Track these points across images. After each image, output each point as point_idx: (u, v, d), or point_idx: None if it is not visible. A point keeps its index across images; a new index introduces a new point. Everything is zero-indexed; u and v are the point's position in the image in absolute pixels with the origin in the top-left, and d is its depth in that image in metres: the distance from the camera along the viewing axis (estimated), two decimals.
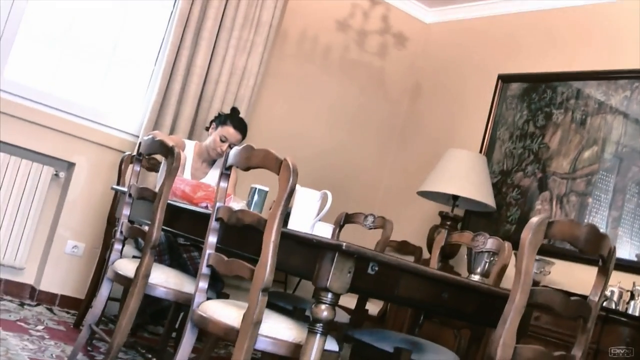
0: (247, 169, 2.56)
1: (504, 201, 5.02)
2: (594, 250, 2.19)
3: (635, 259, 4.20)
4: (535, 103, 5.06)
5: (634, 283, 3.83)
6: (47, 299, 4.74)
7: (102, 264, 4.34)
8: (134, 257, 3.85)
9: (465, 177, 4.79)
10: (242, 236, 2.66)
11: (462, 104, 5.67)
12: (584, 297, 3.86)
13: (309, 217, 3.10)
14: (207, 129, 4.28)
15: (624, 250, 4.24)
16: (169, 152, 3.05)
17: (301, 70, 5.66)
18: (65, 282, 4.81)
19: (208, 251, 2.64)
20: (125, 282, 3.14)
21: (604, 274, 2.27)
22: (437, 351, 3.05)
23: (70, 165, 4.82)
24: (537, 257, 4.38)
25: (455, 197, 4.89)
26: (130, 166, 4.26)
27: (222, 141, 4.11)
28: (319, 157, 5.76)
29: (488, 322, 2.76)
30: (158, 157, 4.45)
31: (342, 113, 5.89)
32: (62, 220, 4.79)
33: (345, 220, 4.18)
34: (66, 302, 4.80)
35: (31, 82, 4.65)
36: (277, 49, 5.47)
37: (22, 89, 4.61)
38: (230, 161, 2.63)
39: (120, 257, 3.37)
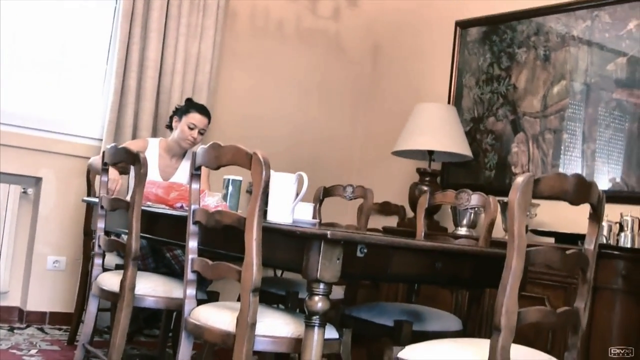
0: (217, 167, 2.48)
1: (480, 148, 4.97)
2: (583, 200, 2.13)
3: (611, 185, 4.17)
4: (496, 45, 4.98)
5: (621, 214, 3.80)
6: (37, 319, 4.65)
7: (87, 275, 4.24)
8: (117, 266, 3.75)
9: (438, 130, 4.73)
10: (224, 235, 2.57)
11: (423, 56, 5.58)
12: (575, 236, 3.84)
13: (287, 201, 3.03)
14: (169, 126, 4.21)
15: (605, 181, 4.22)
16: (135, 159, 2.95)
17: (257, 47, 5.53)
18: (52, 299, 4.71)
19: (191, 256, 2.56)
20: (112, 297, 3.06)
21: (596, 221, 2.22)
22: (438, 317, 3.01)
23: (38, 180, 4.70)
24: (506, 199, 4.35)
25: (430, 152, 4.82)
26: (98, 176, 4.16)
27: (191, 129, 4.05)
28: (288, 132, 5.66)
29: (485, 284, 2.72)
30: None
31: (305, 84, 5.78)
32: (38, 237, 4.68)
33: (324, 194, 4.10)
34: (56, 318, 4.71)
35: None
36: (228, 29, 5.33)
37: None
38: (198, 161, 2.54)
39: (103, 271, 3.29)
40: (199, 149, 2.53)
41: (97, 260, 3.25)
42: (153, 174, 3.97)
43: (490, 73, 4.98)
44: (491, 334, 1.98)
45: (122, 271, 3.02)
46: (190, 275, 2.56)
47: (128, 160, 3.04)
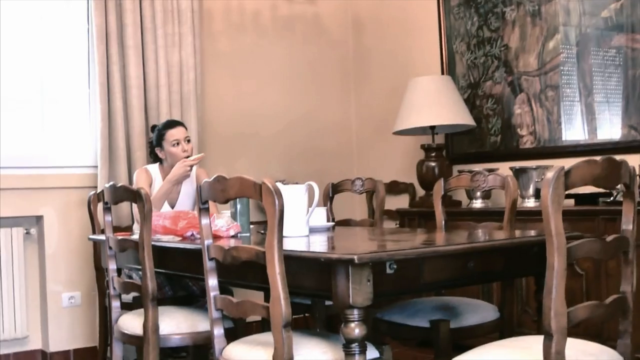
0: (225, 201, 2.36)
1: (482, 114, 4.83)
2: (616, 182, 2.02)
3: (622, 135, 4.05)
4: (482, 6, 4.82)
5: (638, 167, 3.66)
6: (61, 359, 4.55)
7: (105, 309, 4.13)
8: (134, 298, 3.65)
9: (436, 103, 4.60)
10: (243, 265, 2.45)
11: (408, 27, 5.41)
12: (594, 195, 3.73)
13: (300, 213, 2.94)
14: (156, 159, 4.06)
15: (615, 131, 4.09)
16: (137, 196, 2.83)
17: (238, 44, 5.37)
18: (74, 336, 4.61)
19: (212, 294, 2.45)
20: (136, 341, 2.95)
21: (631, 199, 2.11)
22: (474, 309, 2.91)
23: (39, 219, 4.57)
24: (534, 165, 4.24)
25: (432, 127, 4.70)
26: (100, 205, 4.05)
27: (177, 145, 3.93)
28: (284, 125, 5.52)
29: (518, 273, 2.62)
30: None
31: (292, 73, 5.62)
32: (49, 276, 4.56)
33: (333, 191, 3.99)
34: (81, 355, 4.60)
35: None
36: (206, 31, 5.17)
37: None
38: (204, 196, 2.41)
39: (121, 311, 3.18)
40: (203, 182, 2.40)
41: (115, 303, 3.14)
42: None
43: (481, 36, 4.83)
44: (540, 335, 1.88)
45: (142, 310, 2.91)
46: (215, 314, 2.45)
47: (130, 199, 2.92)
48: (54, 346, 4.54)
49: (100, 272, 4.16)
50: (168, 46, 4.83)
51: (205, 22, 5.15)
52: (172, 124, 4.04)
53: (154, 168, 3.99)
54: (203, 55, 5.06)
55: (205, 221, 2.44)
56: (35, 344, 4.56)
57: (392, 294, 2.33)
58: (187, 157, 3.94)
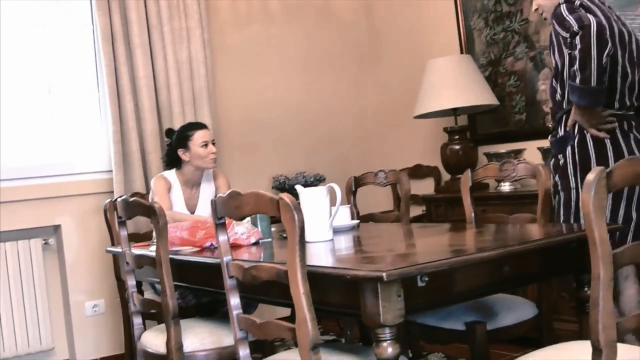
0: (241, 218, 2.23)
1: (504, 92, 4.65)
2: None
3: None
4: None
5: None
6: None
7: (129, 317, 4.04)
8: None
9: (457, 84, 4.44)
10: (266, 282, 2.33)
11: (422, 4, 5.22)
12: None
13: (323, 216, 2.82)
14: (171, 164, 3.91)
15: None
16: (150, 212, 2.71)
17: (247, 35, 5.22)
18: (100, 344, 4.53)
19: (235, 312, 2.33)
20: None
21: None
22: (510, 307, 2.76)
23: (56, 228, 4.48)
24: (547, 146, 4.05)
25: (454, 108, 4.53)
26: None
27: (205, 146, 3.79)
28: (300, 114, 5.38)
29: (555, 272, 2.47)
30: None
31: (305, 60, 5.47)
32: (71, 286, 4.48)
33: (356, 184, 3.84)
34: None
35: None
36: (214, 24, 5.02)
37: None
38: (219, 213, 2.28)
39: (144, 326, 3.08)
40: (218, 198, 2.27)
41: (136, 320, 3.03)
42: (181, 208, 3.75)
43: (499, 11, 4.64)
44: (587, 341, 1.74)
45: (164, 326, 2.80)
46: (239, 334, 2.33)
47: (144, 214, 2.80)
48: (81, 356, 4.47)
49: (121, 281, 4.07)
50: (176, 42, 4.69)
51: (212, 14, 5.01)
52: (199, 125, 3.90)
53: (171, 174, 3.84)
54: (212, 48, 4.91)
55: (222, 237, 2.31)
56: (61, 355, 4.49)
57: (425, 308, 2.19)
58: (214, 159, 3.81)
